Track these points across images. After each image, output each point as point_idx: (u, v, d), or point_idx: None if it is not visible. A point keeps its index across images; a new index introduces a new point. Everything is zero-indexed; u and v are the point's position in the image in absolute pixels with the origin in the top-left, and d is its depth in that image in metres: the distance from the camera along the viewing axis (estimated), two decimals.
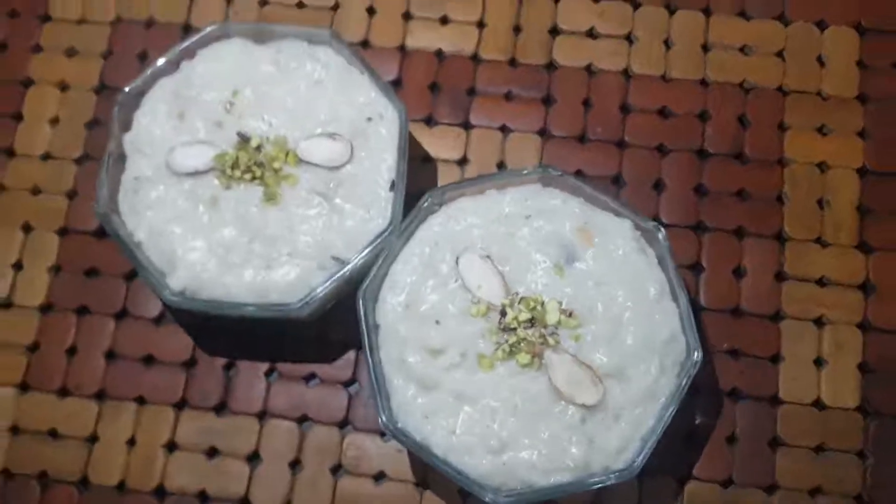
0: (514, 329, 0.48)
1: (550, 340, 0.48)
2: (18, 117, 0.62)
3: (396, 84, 0.62)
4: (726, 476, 0.54)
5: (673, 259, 0.50)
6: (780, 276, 0.57)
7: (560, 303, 0.49)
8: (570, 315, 0.49)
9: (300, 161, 0.52)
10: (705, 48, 0.62)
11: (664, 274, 0.50)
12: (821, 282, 0.57)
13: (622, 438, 0.48)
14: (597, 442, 0.47)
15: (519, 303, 0.49)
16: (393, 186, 0.51)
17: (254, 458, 0.55)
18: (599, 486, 0.47)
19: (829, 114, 0.60)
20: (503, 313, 0.49)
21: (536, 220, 0.51)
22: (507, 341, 0.48)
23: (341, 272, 0.50)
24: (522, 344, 0.48)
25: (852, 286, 0.57)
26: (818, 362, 0.56)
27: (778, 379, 0.55)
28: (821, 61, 0.61)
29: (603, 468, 0.47)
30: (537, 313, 0.49)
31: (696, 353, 0.48)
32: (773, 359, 0.56)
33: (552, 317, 0.49)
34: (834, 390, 0.55)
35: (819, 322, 0.56)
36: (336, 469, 0.55)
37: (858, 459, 0.54)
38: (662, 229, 0.50)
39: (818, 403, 0.55)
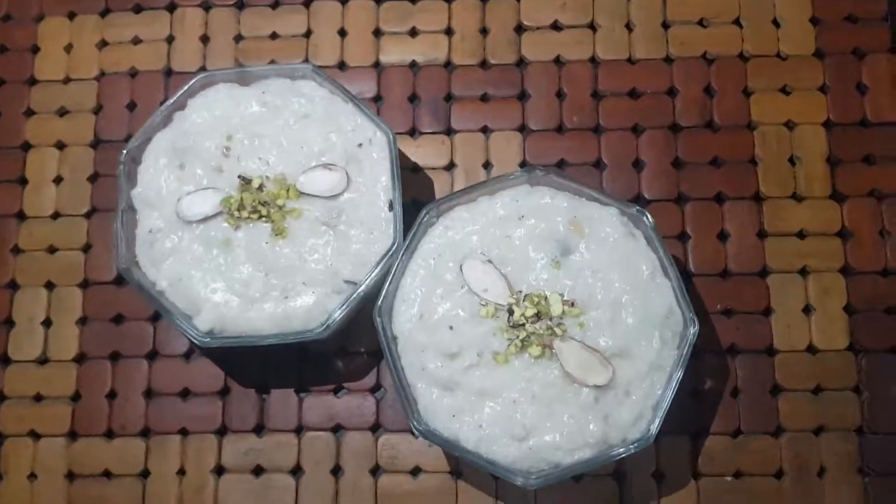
0: (523, 325, 0.52)
1: (557, 331, 0.52)
2: (23, 181, 0.64)
3: (377, 100, 0.64)
4: (735, 427, 0.58)
5: (660, 237, 0.53)
6: (761, 235, 0.61)
7: (562, 295, 0.52)
8: (573, 305, 0.52)
9: (301, 194, 0.55)
10: (665, 26, 0.64)
11: (654, 252, 0.54)
12: (800, 234, 0.61)
13: (635, 411, 0.51)
14: (612, 417, 0.51)
15: (524, 300, 0.52)
16: (391, 207, 0.55)
17: (297, 470, 0.59)
18: (620, 457, 0.51)
19: (790, 73, 0.63)
20: (510, 312, 0.52)
21: (529, 219, 0.54)
22: (517, 337, 0.52)
23: (355, 294, 0.54)
24: (532, 337, 0.52)
25: (830, 234, 0.60)
26: (807, 310, 0.59)
27: (771, 331, 0.59)
28: (776, 23, 0.64)
29: (621, 440, 0.51)
30: (542, 307, 0.52)
31: (692, 325, 0.52)
32: (765, 312, 0.59)
33: (556, 309, 0.52)
34: (824, 334, 0.59)
35: (803, 272, 0.60)
36: (374, 470, 0.58)
37: (855, 395, 0.58)
38: (647, 212, 0.54)
39: (811, 348, 0.59)
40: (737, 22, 0.64)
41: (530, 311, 0.52)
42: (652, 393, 0.52)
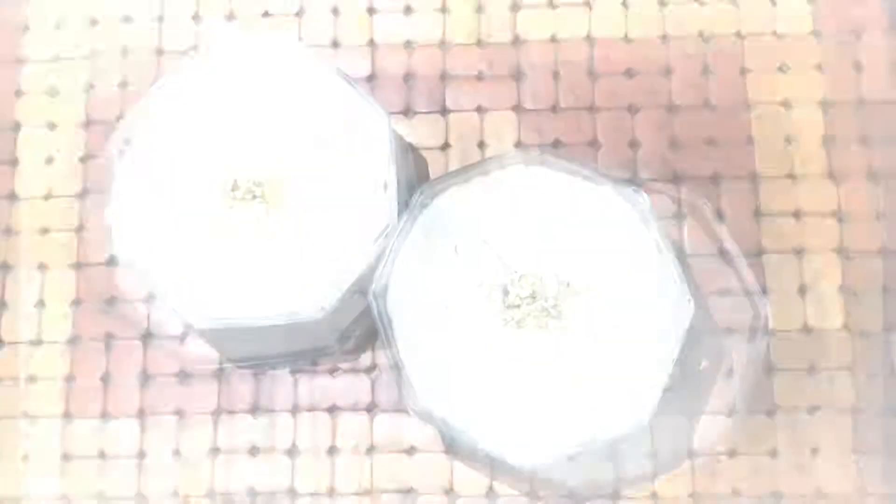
0: (518, 305, 0.52)
1: (552, 311, 0.52)
2: (14, 162, 0.64)
3: (371, 80, 0.64)
4: (730, 406, 0.58)
5: (655, 217, 0.53)
6: (757, 214, 0.60)
7: (557, 275, 0.52)
8: (568, 285, 0.52)
9: (295, 174, 0.55)
10: (661, 4, 0.64)
11: (650, 233, 0.53)
12: (796, 214, 0.60)
13: (630, 391, 0.51)
14: (607, 397, 0.51)
15: (519, 280, 0.52)
16: (386, 187, 0.54)
17: (293, 450, 0.59)
18: (615, 436, 0.51)
19: (787, 52, 0.63)
20: (506, 292, 0.52)
21: (523, 199, 0.54)
22: (512, 318, 0.52)
23: (349, 274, 0.53)
24: (528, 318, 0.52)
25: (826, 215, 0.60)
26: (802, 290, 0.59)
27: (767, 310, 0.59)
28: (772, 1, 0.64)
29: (616, 420, 0.51)
30: (537, 288, 0.52)
31: (688, 305, 0.52)
32: (761, 292, 0.59)
33: (552, 289, 0.52)
34: (820, 314, 0.59)
35: (799, 252, 0.60)
36: (370, 449, 0.59)
37: (849, 375, 0.58)
38: (643, 191, 0.53)
39: (806, 328, 0.59)
40: (733, 1, 0.64)
41: (525, 292, 0.52)
42: (647, 373, 0.52)
